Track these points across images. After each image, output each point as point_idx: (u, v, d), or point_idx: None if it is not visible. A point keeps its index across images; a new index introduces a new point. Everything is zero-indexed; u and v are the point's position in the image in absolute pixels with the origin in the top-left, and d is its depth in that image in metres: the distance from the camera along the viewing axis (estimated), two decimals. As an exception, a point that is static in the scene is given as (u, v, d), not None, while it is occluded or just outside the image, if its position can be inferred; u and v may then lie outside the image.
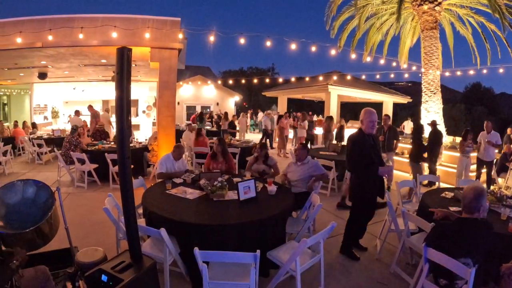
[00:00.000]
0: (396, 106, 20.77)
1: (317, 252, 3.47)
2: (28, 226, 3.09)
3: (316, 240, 3.26)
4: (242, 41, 9.46)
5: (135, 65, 11.30)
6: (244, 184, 4.13)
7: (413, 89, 27.78)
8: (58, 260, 3.63)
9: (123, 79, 2.51)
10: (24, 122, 14.42)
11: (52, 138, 12.00)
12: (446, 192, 4.75)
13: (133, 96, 19.39)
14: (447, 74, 13.99)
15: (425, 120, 11.90)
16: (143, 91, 19.60)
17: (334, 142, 11.63)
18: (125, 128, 2.54)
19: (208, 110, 23.51)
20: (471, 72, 13.73)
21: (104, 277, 2.54)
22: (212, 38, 9.08)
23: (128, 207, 2.67)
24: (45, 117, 19.51)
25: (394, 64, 14.66)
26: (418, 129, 8.01)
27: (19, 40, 7.93)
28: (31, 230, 3.08)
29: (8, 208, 3.39)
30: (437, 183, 6.19)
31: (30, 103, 18.72)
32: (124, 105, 2.53)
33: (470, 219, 2.86)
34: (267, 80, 21.42)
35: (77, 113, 13.55)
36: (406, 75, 16.23)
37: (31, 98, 18.49)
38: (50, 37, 7.87)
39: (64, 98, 19.98)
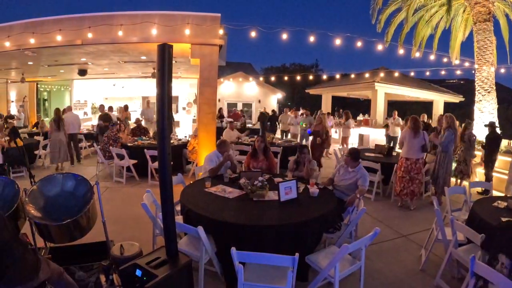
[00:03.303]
0: (447, 105, 19.92)
1: (358, 259, 3.41)
2: (65, 218, 3.24)
3: (358, 247, 3.21)
4: (284, 36, 9.45)
5: (175, 61, 11.52)
6: (286, 185, 4.09)
7: (466, 87, 26.66)
8: (94, 253, 3.77)
9: (164, 76, 2.58)
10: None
11: (91, 133, 12.52)
12: (499, 201, 4.45)
13: (173, 93, 19.86)
14: (502, 70, 13.27)
15: (478, 121, 11.40)
16: (183, 87, 19.98)
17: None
18: (166, 124, 2.60)
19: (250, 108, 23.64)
20: (529, 69, 13.00)
21: (138, 272, 2.61)
22: (253, 34, 9.14)
23: (166, 204, 2.74)
24: (85, 113, 20.35)
25: (445, 60, 14.11)
26: (495, 139, 7.97)
27: (59, 38, 8.31)
28: (68, 223, 3.23)
29: (47, 200, 3.57)
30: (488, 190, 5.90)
31: (70, 99, 19.60)
32: (165, 102, 2.59)
33: None
34: (311, 77, 21.15)
35: (110, 109, 14.15)
36: (458, 72, 15.58)
37: (71, 94, 19.36)
38: (89, 35, 8.18)
39: (104, 94, 20.68)
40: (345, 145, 12.87)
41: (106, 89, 20.15)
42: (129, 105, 16.18)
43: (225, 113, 19.54)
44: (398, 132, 13.10)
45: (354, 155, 5.18)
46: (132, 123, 13.19)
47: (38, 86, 18.59)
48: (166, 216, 2.78)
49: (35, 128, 14.02)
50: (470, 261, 2.85)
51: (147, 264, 2.66)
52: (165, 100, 2.59)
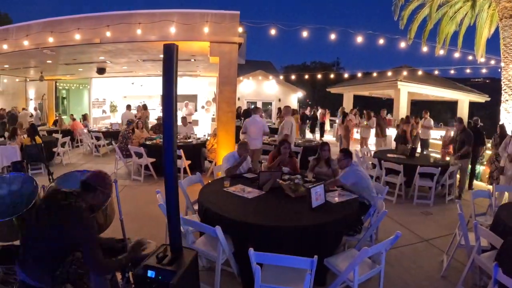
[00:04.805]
0: (472, 105, 19.47)
1: (378, 264, 3.37)
2: None
3: (378, 250, 3.18)
4: (304, 34, 9.41)
5: (194, 59, 11.61)
6: (316, 190, 4.00)
7: (491, 86, 26.05)
8: (111, 250, 3.82)
9: (171, 76, 2.66)
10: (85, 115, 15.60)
11: (110, 132, 12.77)
12: None
13: (192, 91, 19.94)
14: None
15: (504, 122, 11.13)
16: (202, 86, 20.12)
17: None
18: (172, 122, 2.68)
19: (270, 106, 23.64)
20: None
21: (151, 273, 2.60)
22: (273, 32, 9.12)
23: (171, 200, 2.78)
24: (104, 111, 20.68)
25: (470, 57, 13.80)
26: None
27: (77, 36, 8.47)
28: None
29: None
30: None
31: (88, 97, 19.96)
32: (172, 102, 2.67)
33: None
34: (332, 76, 20.98)
35: (128, 107, 14.45)
36: (484, 70, 15.22)
37: (90, 93, 19.70)
38: (108, 33, 8.30)
39: (123, 93, 20.96)
40: (364, 146, 12.71)
41: (125, 88, 20.42)
42: (148, 103, 16.41)
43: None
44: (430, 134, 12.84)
45: (346, 155, 5.08)
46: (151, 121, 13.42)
47: (57, 84, 19.00)
48: (170, 212, 2.81)
49: (54, 126, 14.34)
50: (494, 269, 2.80)
51: (158, 263, 2.67)
52: (173, 99, 2.67)
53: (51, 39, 8.71)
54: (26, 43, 8.94)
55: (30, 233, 2.54)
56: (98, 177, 2.79)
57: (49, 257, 2.47)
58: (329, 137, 19.63)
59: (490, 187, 7.86)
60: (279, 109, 17.11)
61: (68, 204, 2.49)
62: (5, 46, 9.49)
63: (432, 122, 13.05)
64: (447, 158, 8.22)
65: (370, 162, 8.56)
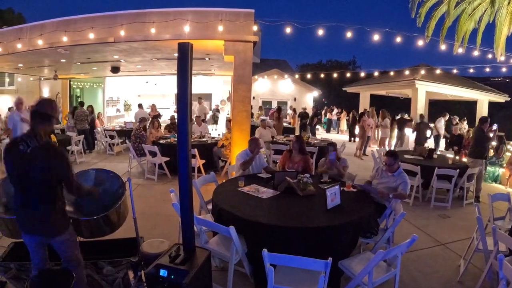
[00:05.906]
0: (491, 105, 19.06)
1: (393, 267, 3.33)
2: (96, 213, 3.35)
3: (394, 254, 3.15)
4: (320, 32, 9.34)
5: (209, 58, 11.65)
6: (331, 191, 3.98)
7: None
8: (123, 249, 3.85)
9: (186, 74, 2.69)
10: (98, 114, 15.74)
11: (124, 130, 12.92)
12: None
13: (206, 90, 20.02)
14: (550, 68, 12.67)
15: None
16: (217, 84, 20.17)
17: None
18: (187, 121, 2.72)
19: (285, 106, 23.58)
20: None
21: (163, 272, 2.64)
22: (288, 30, 9.08)
23: (185, 199, 2.81)
24: (118, 110, 20.90)
25: (489, 56, 13.53)
26: None
27: (91, 35, 8.56)
28: (99, 218, 3.33)
29: None
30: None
31: (102, 96, 20.18)
32: (187, 100, 2.70)
33: None
34: (348, 75, 20.82)
35: (140, 106, 14.69)
36: (504, 69, 14.92)
37: (104, 91, 19.92)
38: (122, 32, 8.38)
39: (137, 92, 21.18)
40: (382, 147, 12.60)
41: (139, 86, 20.61)
42: (162, 102, 16.50)
43: (255, 110, 19.37)
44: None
45: (393, 156, 5.10)
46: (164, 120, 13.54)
47: (71, 83, 19.25)
48: (184, 212, 2.84)
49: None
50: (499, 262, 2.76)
51: (171, 262, 2.70)
52: (187, 98, 2.70)
53: (65, 38, 8.83)
54: (40, 42, 9.08)
55: (23, 181, 2.71)
56: (50, 105, 2.86)
57: (47, 192, 2.73)
58: (344, 137, 19.50)
59: (510, 190, 7.76)
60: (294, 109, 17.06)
61: (52, 147, 2.77)
62: (19, 46, 9.65)
63: (443, 121, 12.94)
64: (464, 159, 8.13)
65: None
